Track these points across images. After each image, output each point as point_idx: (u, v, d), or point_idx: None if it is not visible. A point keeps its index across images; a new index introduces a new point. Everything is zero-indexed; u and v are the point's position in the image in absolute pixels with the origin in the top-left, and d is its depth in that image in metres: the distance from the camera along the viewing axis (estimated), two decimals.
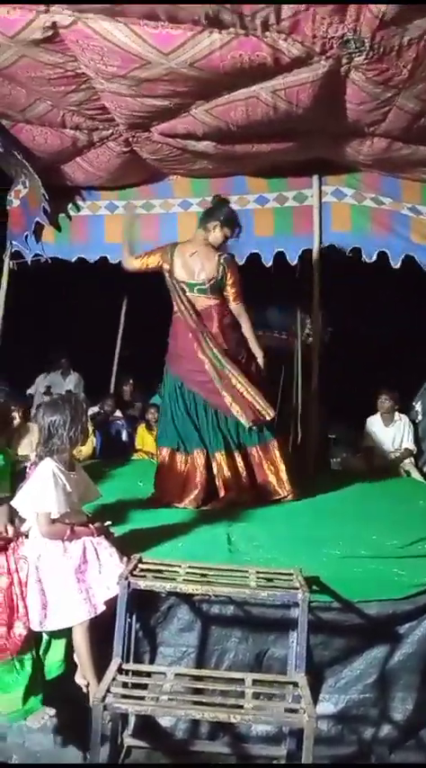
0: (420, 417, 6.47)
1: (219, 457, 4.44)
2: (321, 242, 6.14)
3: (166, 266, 4.52)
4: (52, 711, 2.90)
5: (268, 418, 4.42)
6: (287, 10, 3.40)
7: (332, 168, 6.07)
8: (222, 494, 4.42)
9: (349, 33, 3.58)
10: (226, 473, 4.43)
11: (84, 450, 6.02)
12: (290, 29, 3.58)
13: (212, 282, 4.47)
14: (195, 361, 4.46)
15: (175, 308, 4.59)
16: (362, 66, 3.91)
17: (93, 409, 7.16)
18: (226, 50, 3.77)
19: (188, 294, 4.50)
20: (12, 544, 3.06)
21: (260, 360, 4.66)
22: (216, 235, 4.55)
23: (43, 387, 8.77)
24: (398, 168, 5.70)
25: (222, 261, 4.51)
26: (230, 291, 4.53)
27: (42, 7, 3.60)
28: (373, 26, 3.47)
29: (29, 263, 6.74)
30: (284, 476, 4.51)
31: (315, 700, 2.96)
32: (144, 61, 3.93)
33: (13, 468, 4.00)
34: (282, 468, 4.53)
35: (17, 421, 5.10)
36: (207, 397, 4.47)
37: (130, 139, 5.37)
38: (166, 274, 4.55)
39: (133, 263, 4.76)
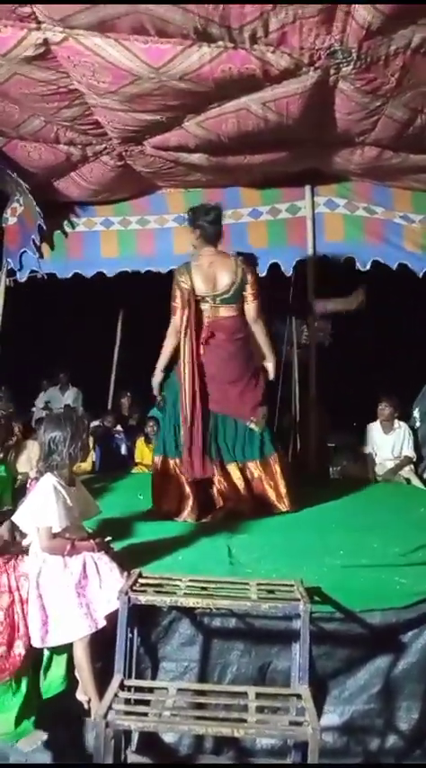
0: (418, 423, 6.47)
1: (218, 468, 4.42)
2: (314, 252, 6.17)
3: (186, 286, 4.40)
4: (44, 736, 2.87)
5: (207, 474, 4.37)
6: (274, 22, 3.45)
7: (323, 179, 6.12)
8: (220, 505, 4.40)
9: (336, 44, 3.62)
10: (225, 485, 4.41)
11: (83, 465, 6.02)
12: (278, 41, 3.62)
13: (234, 288, 4.39)
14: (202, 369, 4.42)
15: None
16: (350, 77, 3.95)
17: (94, 423, 7.17)
18: (215, 64, 3.82)
19: (208, 305, 4.42)
20: (12, 561, 3.05)
21: (270, 366, 4.59)
22: (195, 239, 4.50)
23: (41, 402, 8.78)
24: (389, 177, 5.74)
25: (239, 262, 4.46)
26: (250, 291, 4.43)
27: (33, 24, 3.65)
28: (359, 36, 3.52)
29: (24, 279, 6.75)
30: (283, 491, 4.47)
31: (320, 711, 2.94)
32: (135, 76, 3.97)
33: (13, 482, 4.01)
34: (282, 483, 4.48)
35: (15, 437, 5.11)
36: (212, 406, 4.43)
37: (124, 153, 5.41)
38: (186, 294, 4.41)
39: (176, 326, 4.50)
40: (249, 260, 4.98)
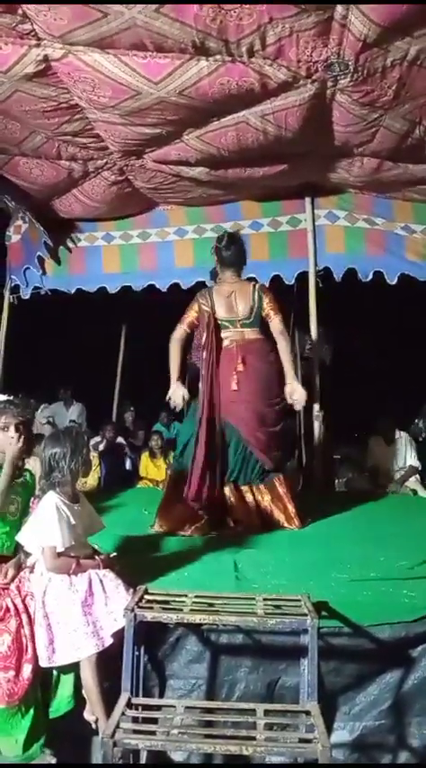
0: (424, 434, 6.46)
1: (230, 488, 4.43)
2: (316, 264, 6.18)
3: (207, 308, 4.49)
4: (53, 759, 2.84)
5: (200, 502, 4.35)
6: (271, 36, 3.47)
7: (323, 191, 6.15)
8: (230, 524, 4.40)
9: (332, 57, 3.65)
10: (237, 505, 4.42)
11: (89, 481, 6.01)
12: (275, 54, 3.65)
13: (254, 313, 4.47)
14: (227, 388, 4.43)
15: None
16: (348, 89, 3.97)
17: (96, 438, 7.17)
18: (214, 77, 3.85)
19: (231, 330, 4.47)
20: (18, 582, 3.03)
21: (289, 389, 4.50)
22: (216, 266, 4.66)
23: (43, 418, 8.77)
24: (388, 188, 5.75)
25: (256, 288, 4.55)
26: (269, 308, 4.49)
27: (34, 41, 3.69)
28: (356, 49, 3.54)
29: (28, 296, 6.77)
30: (292, 510, 4.47)
31: (330, 728, 2.90)
32: (134, 92, 4.01)
33: None
34: (289, 503, 4.49)
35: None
36: (235, 423, 4.43)
37: (124, 168, 5.44)
38: (206, 316, 4.49)
39: (180, 335, 4.60)
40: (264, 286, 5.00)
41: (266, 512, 4.48)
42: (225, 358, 4.47)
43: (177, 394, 4.55)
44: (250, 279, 4.82)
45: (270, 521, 4.46)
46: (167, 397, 4.61)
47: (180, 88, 3.95)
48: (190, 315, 4.58)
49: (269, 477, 4.51)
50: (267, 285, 6.10)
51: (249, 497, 4.47)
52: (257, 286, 4.60)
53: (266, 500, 4.49)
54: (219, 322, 4.49)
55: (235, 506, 4.42)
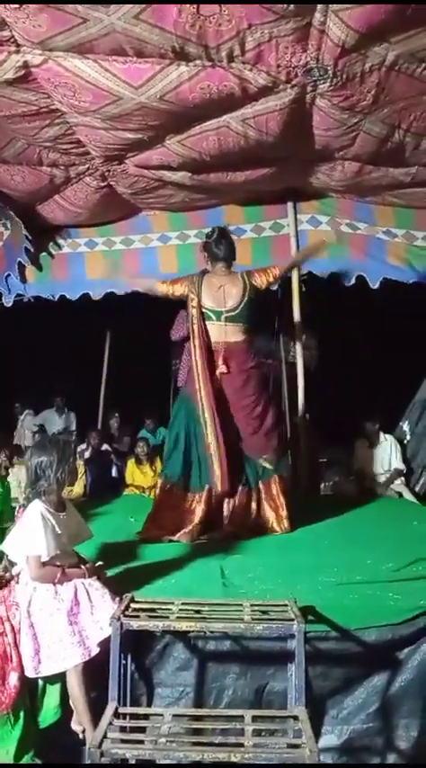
0: (408, 437, 6.48)
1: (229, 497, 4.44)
2: (299, 270, 6.21)
3: (192, 296, 4.49)
4: None
5: (219, 490, 4.35)
6: (251, 41, 3.48)
7: (306, 196, 6.18)
8: (223, 525, 4.41)
9: (312, 62, 3.67)
10: (227, 508, 4.43)
11: (75, 489, 5.98)
12: (255, 59, 3.66)
13: (243, 305, 4.45)
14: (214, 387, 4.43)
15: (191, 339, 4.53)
16: (327, 94, 3.99)
17: (81, 446, 7.13)
18: (194, 82, 3.85)
19: (215, 324, 4.45)
20: (3, 591, 3.01)
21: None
22: (206, 262, 4.65)
23: (33, 426, 8.74)
24: (370, 193, 5.79)
25: (244, 278, 4.53)
26: (269, 279, 4.55)
27: (13, 48, 3.67)
28: (334, 54, 3.56)
29: (10, 304, 6.73)
30: (284, 512, 4.48)
31: (318, 732, 2.91)
32: (115, 97, 4.00)
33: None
34: (283, 504, 4.50)
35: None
36: (226, 424, 4.42)
37: (106, 173, 5.43)
38: (191, 303, 4.50)
39: (159, 288, 4.68)
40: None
41: (257, 512, 4.49)
42: (211, 356, 4.47)
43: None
44: None
45: (261, 521, 4.48)
46: None
47: (160, 93, 3.95)
48: (178, 283, 4.59)
49: (265, 476, 4.52)
50: None
51: (242, 499, 4.47)
52: (244, 273, 4.58)
53: (259, 498, 4.50)
54: (204, 311, 4.47)
55: (230, 506, 4.43)
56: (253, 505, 4.51)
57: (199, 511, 4.37)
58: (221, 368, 4.42)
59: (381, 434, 6.34)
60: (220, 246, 4.58)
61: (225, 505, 4.46)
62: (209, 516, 4.40)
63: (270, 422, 4.55)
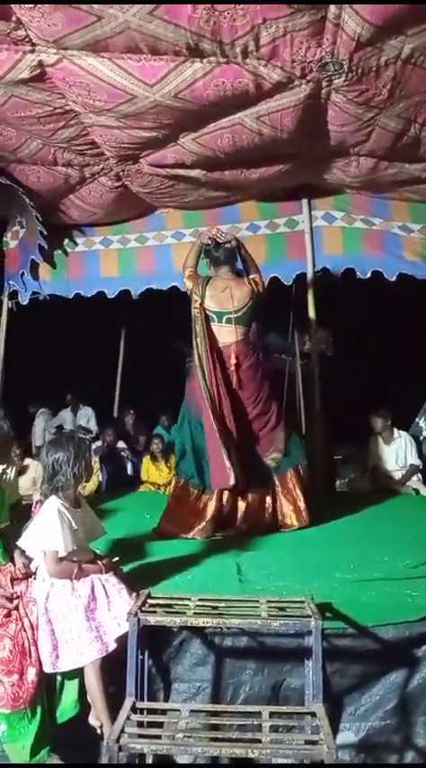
0: (424, 433, 6.44)
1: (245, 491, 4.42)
2: (314, 265, 6.19)
3: (196, 297, 4.51)
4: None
5: (230, 483, 4.28)
6: (265, 36, 3.47)
7: (320, 193, 6.15)
8: (237, 522, 4.41)
9: (327, 56, 3.65)
10: (242, 504, 4.42)
11: (89, 485, 6.00)
12: (269, 55, 3.64)
13: (247, 308, 4.49)
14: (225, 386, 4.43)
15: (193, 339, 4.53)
16: (342, 89, 3.97)
17: (97, 443, 7.16)
18: (208, 79, 3.85)
19: (215, 324, 4.48)
20: (20, 587, 3.03)
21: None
22: (208, 268, 4.67)
23: (52, 427, 8.77)
24: (385, 189, 5.76)
25: (251, 283, 4.56)
26: (255, 276, 4.61)
27: (28, 47, 3.69)
28: (350, 48, 3.54)
29: (26, 301, 6.77)
30: (302, 505, 4.48)
31: (335, 729, 2.89)
32: (130, 95, 4.01)
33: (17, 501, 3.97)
34: (300, 498, 4.49)
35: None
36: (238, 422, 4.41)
37: (121, 173, 5.44)
38: (194, 304, 4.52)
39: (186, 270, 4.68)
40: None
41: (274, 508, 4.48)
42: (220, 354, 4.47)
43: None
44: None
45: (277, 517, 4.47)
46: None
47: (175, 91, 3.95)
48: (192, 278, 4.59)
49: (282, 469, 4.52)
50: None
51: (256, 496, 4.45)
52: (250, 279, 4.60)
53: (276, 494, 4.50)
54: (207, 313, 4.48)
55: (240, 505, 4.41)
56: (268, 502, 4.50)
57: (211, 507, 4.37)
58: (231, 365, 4.43)
59: (396, 431, 6.30)
60: (219, 251, 4.58)
61: (240, 503, 4.45)
62: (223, 514, 4.40)
63: (274, 421, 4.55)
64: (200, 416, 4.40)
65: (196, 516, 4.38)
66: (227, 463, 4.21)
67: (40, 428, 8.83)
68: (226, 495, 4.39)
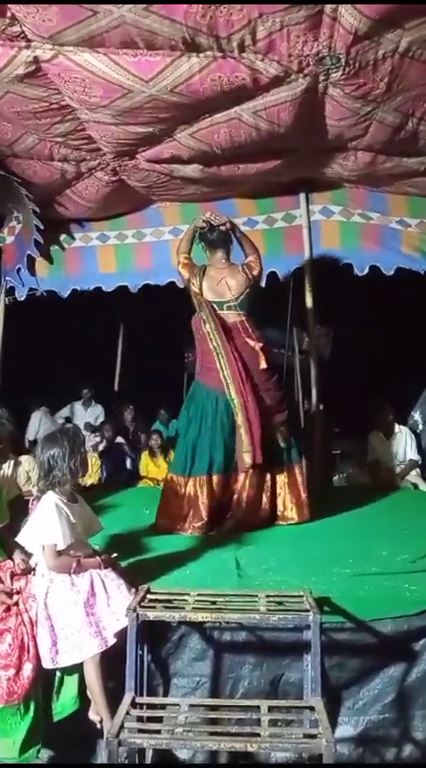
0: (420, 427, 6.45)
1: (240, 478, 4.41)
2: (312, 260, 6.18)
3: (195, 288, 4.57)
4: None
5: (247, 462, 4.30)
6: (262, 30, 3.46)
7: (318, 187, 6.14)
8: (235, 513, 4.40)
9: (324, 50, 3.63)
10: (243, 494, 4.40)
11: (89, 480, 6.01)
12: (266, 49, 3.63)
13: (242, 296, 4.53)
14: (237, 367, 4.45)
15: (203, 327, 4.54)
16: (340, 83, 3.96)
17: (95, 439, 7.16)
18: (205, 73, 3.83)
19: (218, 312, 4.53)
20: (20, 582, 3.03)
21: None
22: (204, 253, 4.70)
23: (60, 417, 8.76)
24: (383, 182, 5.75)
25: (246, 270, 4.60)
26: (258, 269, 4.65)
27: (23, 43, 3.68)
28: (347, 42, 3.52)
29: (23, 297, 6.75)
30: (304, 500, 4.49)
31: (334, 723, 2.91)
32: (125, 90, 3.99)
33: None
34: (303, 492, 4.51)
35: None
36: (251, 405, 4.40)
37: (118, 168, 5.42)
38: (193, 294, 4.58)
39: (180, 257, 4.71)
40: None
41: (272, 499, 4.47)
42: (229, 332, 4.51)
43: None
44: None
45: (279, 506, 4.47)
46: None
47: (171, 85, 3.93)
48: (188, 267, 4.64)
49: (293, 460, 4.53)
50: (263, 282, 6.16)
51: (253, 484, 4.42)
52: (244, 266, 4.64)
53: (281, 484, 4.50)
54: (211, 303, 4.53)
55: (246, 493, 4.40)
56: (265, 493, 4.47)
57: (204, 498, 4.35)
58: (241, 341, 4.47)
59: (397, 426, 6.31)
60: (214, 233, 4.59)
61: (235, 495, 4.43)
62: (217, 506, 4.38)
63: (281, 399, 4.60)
64: (214, 390, 4.42)
65: (188, 507, 4.37)
66: (255, 440, 4.25)
67: (35, 423, 8.82)
68: (216, 480, 4.37)
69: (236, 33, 3.49)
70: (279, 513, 4.50)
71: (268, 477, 4.48)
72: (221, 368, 4.39)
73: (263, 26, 3.43)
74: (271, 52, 3.67)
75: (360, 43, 3.55)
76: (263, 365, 4.47)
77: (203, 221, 4.63)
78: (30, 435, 8.47)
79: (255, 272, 4.62)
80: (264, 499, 4.46)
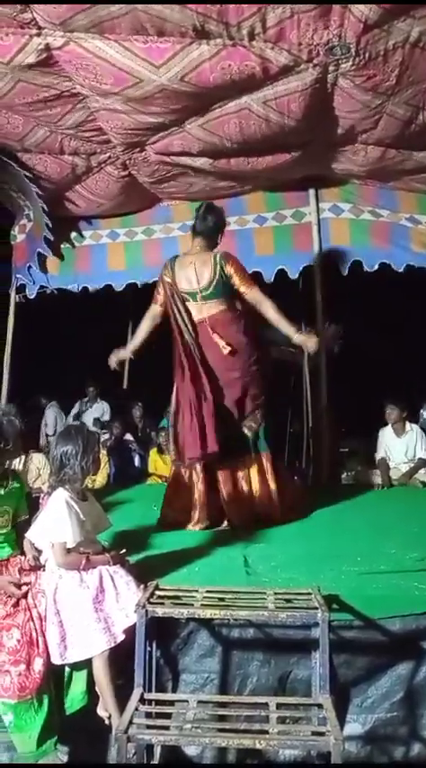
0: None
1: (225, 474, 4.34)
2: (321, 258, 6.17)
3: (168, 279, 4.39)
4: (65, 758, 2.86)
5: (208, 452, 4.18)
6: (272, 18, 3.45)
7: (327, 184, 6.13)
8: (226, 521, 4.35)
9: (334, 39, 3.62)
10: (230, 489, 4.32)
11: (98, 479, 6.02)
12: (276, 37, 3.62)
13: (215, 284, 4.31)
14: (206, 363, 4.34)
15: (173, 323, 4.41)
16: (350, 73, 3.94)
17: (104, 435, 7.17)
18: (215, 61, 3.83)
19: (194, 304, 4.34)
20: (29, 578, 3.05)
21: (298, 338, 4.38)
22: (217, 242, 4.53)
23: (52, 417, 8.80)
24: (393, 178, 5.72)
25: (218, 259, 4.34)
26: (238, 282, 4.31)
27: (34, 30, 3.70)
28: (357, 31, 3.51)
29: (33, 295, 6.77)
30: (275, 495, 4.38)
31: (342, 720, 2.90)
32: (136, 78, 3.99)
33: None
34: (272, 484, 4.38)
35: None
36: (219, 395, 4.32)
37: (127, 162, 5.43)
38: (168, 288, 4.40)
39: (150, 313, 4.59)
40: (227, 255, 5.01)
41: (254, 493, 4.38)
42: (199, 332, 4.34)
43: (115, 356, 4.71)
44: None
45: (258, 502, 4.37)
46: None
47: (181, 73, 3.93)
48: (158, 291, 4.50)
49: (259, 449, 4.40)
50: (271, 280, 6.15)
51: (242, 483, 4.36)
52: (218, 254, 4.37)
53: (253, 476, 4.38)
54: (182, 294, 4.36)
55: (230, 495, 4.32)
56: (247, 487, 4.38)
57: (200, 487, 4.31)
58: (208, 338, 4.29)
59: (407, 424, 6.28)
60: (205, 221, 4.44)
61: (221, 491, 4.33)
62: (213, 497, 4.33)
63: (256, 392, 4.41)
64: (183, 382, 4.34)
65: (187, 498, 4.34)
66: (202, 433, 4.14)
67: (52, 419, 8.88)
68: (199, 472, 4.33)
69: (246, 21, 3.48)
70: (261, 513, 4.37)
71: (243, 471, 4.38)
72: (183, 367, 4.32)
73: (274, 13, 3.42)
74: (281, 41, 3.66)
75: (371, 32, 3.53)
76: (225, 350, 4.26)
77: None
78: (49, 431, 8.53)
79: (227, 270, 4.30)
80: (248, 501, 4.36)
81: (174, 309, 4.37)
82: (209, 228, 4.47)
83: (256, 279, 5.85)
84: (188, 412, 4.24)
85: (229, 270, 4.32)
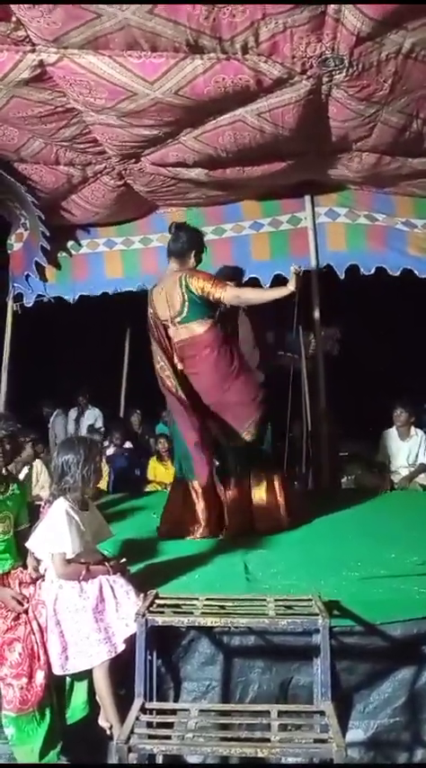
0: None
1: (225, 485, 4.33)
2: (318, 262, 6.18)
3: (151, 310, 4.36)
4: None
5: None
6: (265, 32, 3.46)
7: (323, 189, 6.14)
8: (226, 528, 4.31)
9: (327, 52, 3.64)
10: (230, 503, 4.31)
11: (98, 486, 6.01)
12: (269, 50, 3.63)
13: (189, 307, 4.20)
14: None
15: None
16: (343, 84, 3.96)
17: (104, 443, 7.17)
18: (209, 75, 3.84)
19: (173, 328, 4.30)
20: (29, 589, 3.04)
21: (286, 290, 4.27)
22: (192, 263, 4.38)
23: (61, 426, 8.80)
24: (388, 183, 5.74)
25: (183, 279, 4.19)
26: (210, 290, 4.14)
27: (28, 47, 3.71)
28: (350, 43, 3.53)
29: (31, 303, 6.77)
30: (281, 504, 4.38)
31: (345, 727, 2.89)
32: (130, 93, 4.01)
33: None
34: (280, 496, 4.38)
35: (26, 452, 5.13)
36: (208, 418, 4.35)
37: (123, 172, 5.44)
38: (151, 319, 4.38)
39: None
40: (233, 272, 5.09)
41: (258, 505, 4.37)
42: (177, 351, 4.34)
43: None
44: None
45: (263, 515, 4.36)
46: None
47: (175, 87, 3.95)
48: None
49: (256, 462, 4.39)
50: (268, 284, 6.15)
51: (241, 493, 4.35)
52: (183, 275, 4.21)
53: (255, 488, 4.38)
54: (163, 322, 4.33)
55: (229, 505, 4.30)
56: (250, 498, 4.37)
57: (201, 502, 4.29)
58: (180, 364, 4.31)
59: (412, 428, 6.26)
60: (170, 240, 4.39)
61: (224, 499, 4.32)
62: (215, 509, 4.31)
63: (247, 401, 4.36)
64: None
65: (189, 511, 4.31)
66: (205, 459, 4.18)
67: (61, 427, 8.87)
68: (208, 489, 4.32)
69: (239, 35, 3.50)
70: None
71: (245, 484, 4.37)
72: (168, 389, 4.33)
73: (266, 28, 3.44)
74: (275, 54, 3.68)
75: (363, 44, 3.55)
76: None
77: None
78: (59, 441, 8.53)
79: (192, 284, 4.15)
80: (249, 510, 4.36)
81: (157, 336, 4.36)
82: (180, 249, 4.36)
83: (253, 285, 5.91)
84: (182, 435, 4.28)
85: (196, 285, 4.16)
